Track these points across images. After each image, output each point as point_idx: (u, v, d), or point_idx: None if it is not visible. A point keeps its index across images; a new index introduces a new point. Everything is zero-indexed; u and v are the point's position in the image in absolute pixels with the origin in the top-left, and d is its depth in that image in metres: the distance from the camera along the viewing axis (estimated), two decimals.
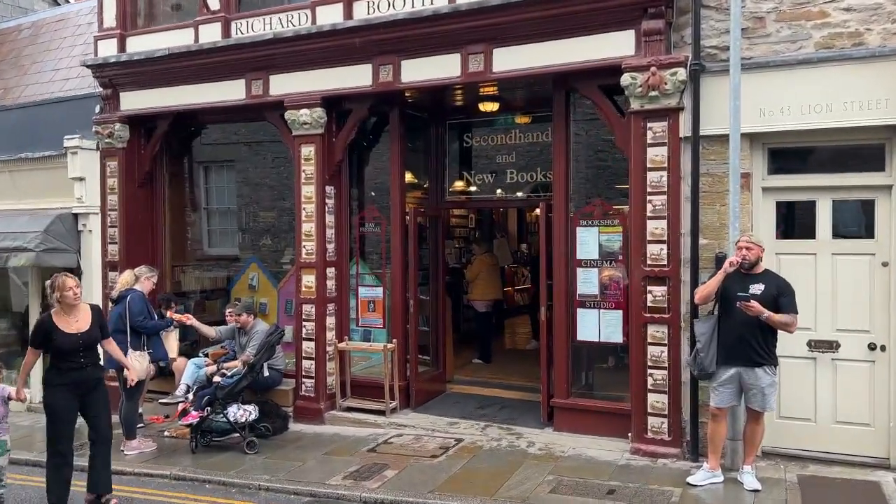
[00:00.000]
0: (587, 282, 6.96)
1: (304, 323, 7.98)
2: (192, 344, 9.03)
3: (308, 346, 7.97)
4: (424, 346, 8.56)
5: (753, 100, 5.84)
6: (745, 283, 5.37)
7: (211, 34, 8.35)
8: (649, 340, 6.29)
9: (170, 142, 9.51)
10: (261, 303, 9.90)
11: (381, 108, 7.93)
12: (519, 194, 8.30)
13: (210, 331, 8.08)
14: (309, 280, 7.93)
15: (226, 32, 8.31)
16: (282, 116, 8.04)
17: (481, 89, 7.68)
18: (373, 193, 8.73)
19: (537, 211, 17.59)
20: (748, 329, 5.31)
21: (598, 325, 6.93)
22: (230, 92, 8.27)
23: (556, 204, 7.03)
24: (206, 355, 8.49)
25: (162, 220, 9.50)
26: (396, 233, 7.95)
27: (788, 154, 6.17)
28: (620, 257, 6.81)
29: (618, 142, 6.57)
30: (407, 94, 7.76)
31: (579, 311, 7.00)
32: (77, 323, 5.51)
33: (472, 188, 8.58)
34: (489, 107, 7.92)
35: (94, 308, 5.78)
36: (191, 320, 7.99)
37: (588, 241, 6.95)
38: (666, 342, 6.22)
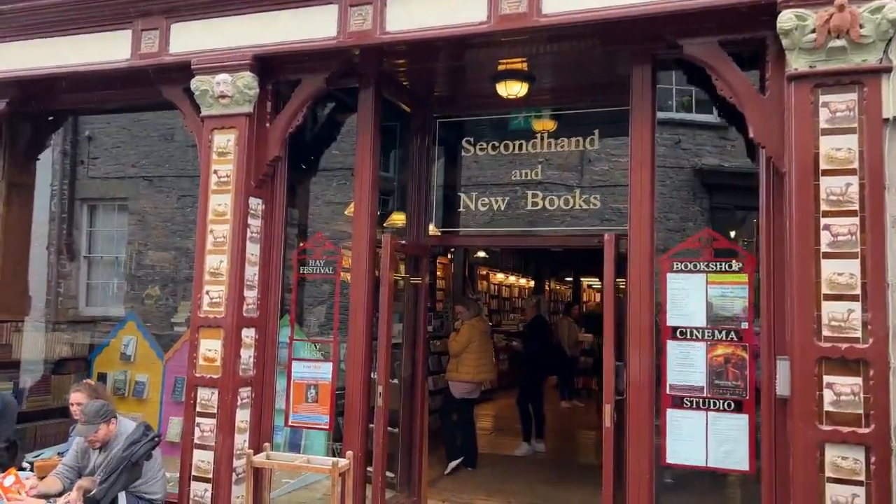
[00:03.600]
0: (686, 364, 4.19)
1: (197, 419, 4.81)
2: (6, 447, 5.56)
3: (203, 459, 4.78)
4: (390, 455, 5.50)
5: None
6: None
7: None
8: (829, 473, 3.51)
9: (14, 134, 6.30)
10: (137, 381, 6.66)
11: (345, 81, 5.12)
12: (551, 227, 5.55)
13: (54, 484, 4.51)
14: (211, 347, 4.81)
15: None
16: (186, 90, 5.10)
17: (503, 63, 5.04)
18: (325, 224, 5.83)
19: (523, 282, 14.87)
20: None
21: (704, 439, 4.13)
22: (108, 49, 5.26)
23: (635, 239, 4.32)
24: (31, 466, 5.20)
25: None
26: (361, 277, 4.99)
27: None
28: (745, 325, 4.11)
29: (755, 131, 3.96)
30: (388, 60, 5.01)
31: (671, 413, 4.20)
32: None
33: (471, 219, 5.77)
34: (512, 89, 5.20)
35: None
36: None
37: (688, 296, 4.22)
38: (862, 477, 3.46)
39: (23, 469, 5.28)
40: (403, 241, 5.28)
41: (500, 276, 15.93)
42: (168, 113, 11.39)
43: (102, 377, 6.78)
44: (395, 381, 5.74)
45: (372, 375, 5.13)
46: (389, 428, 5.35)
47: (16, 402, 5.43)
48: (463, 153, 5.70)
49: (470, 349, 6.95)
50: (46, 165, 12.29)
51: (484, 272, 14.60)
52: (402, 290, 5.64)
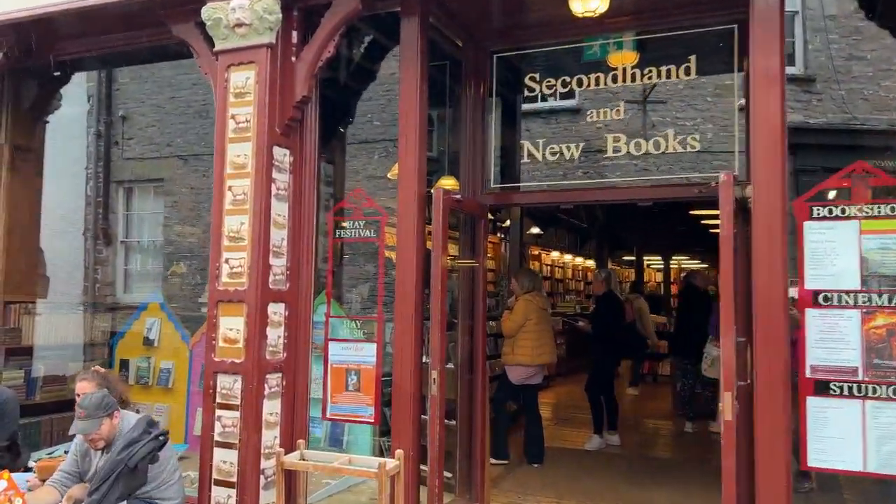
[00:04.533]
0: (834, 339, 3.22)
1: (218, 412, 4.03)
2: (7, 447, 4.85)
3: (225, 459, 3.99)
4: (447, 452, 4.64)
5: None
6: None
7: None
8: None
9: (17, 91, 5.61)
10: (161, 368, 5.98)
11: (384, 4, 4.24)
12: (637, 178, 4.60)
13: (48, 495, 3.81)
14: (232, 326, 4.02)
15: None
16: (199, 24, 4.30)
17: None
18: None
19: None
20: None
21: (860, 437, 3.16)
22: None
23: (761, 178, 3.35)
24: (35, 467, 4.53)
25: None
26: (409, 241, 4.12)
27: None
28: None
29: None
30: None
31: (813, 403, 3.24)
32: None
33: (537, 171, 4.85)
34: (588, 4, 4.21)
35: None
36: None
37: (834, 251, 3.25)
38: None
39: (28, 470, 4.63)
40: (458, 196, 4.38)
41: (554, 255, 14.91)
42: (202, 88, 10.80)
43: (125, 364, 6.14)
44: (451, 365, 4.90)
45: (424, 359, 4.28)
46: (446, 420, 4.50)
47: (15, 396, 4.75)
48: (526, 93, 4.74)
49: (526, 328, 6.00)
50: (80, 146, 11.87)
51: (536, 252, 13.63)
52: (460, 253, 4.77)
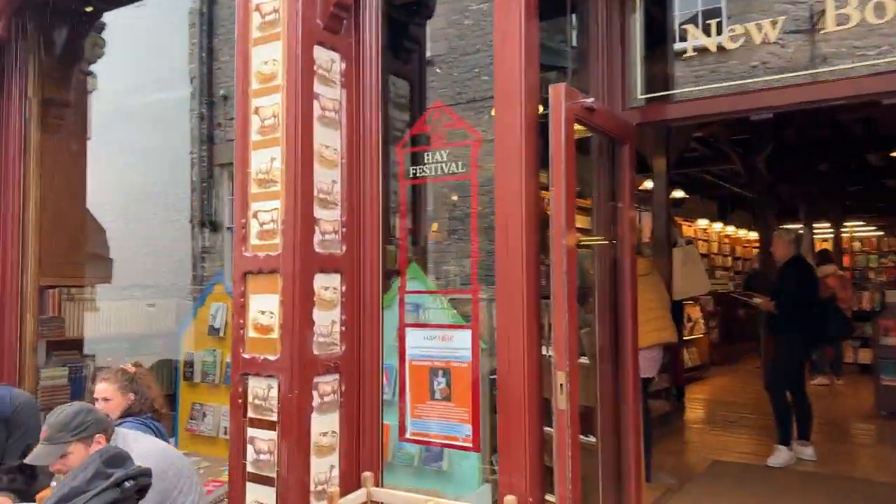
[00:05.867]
0: None
1: (250, 431, 2.81)
2: (18, 467, 3.89)
3: (260, 501, 2.78)
4: (582, 478, 3.20)
5: None
6: None
7: None
8: None
9: (44, 36, 4.67)
10: (229, 363, 4.91)
11: None
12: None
13: None
14: (265, 308, 2.78)
15: None
16: None
17: None
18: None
19: None
20: None
21: None
22: None
23: None
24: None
25: (15, 185, 4.49)
26: (513, 182, 2.71)
27: None
28: None
29: None
30: None
31: None
32: None
33: (704, 69, 3.25)
34: None
35: None
36: None
37: None
38: None
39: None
40: (590, 102, 2.86)
41: (701, 224, 12.90)
42: None
43: (189, 360, 5.16)
44: (584, 359, 3.44)
45: (544, 351, 2.87)
46: (581, 437, 3.05)
47: (32, 402, 3.79)
48: None
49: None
50: (185, 132, 11.47)
51: (678, 222, 11.78)
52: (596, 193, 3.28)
